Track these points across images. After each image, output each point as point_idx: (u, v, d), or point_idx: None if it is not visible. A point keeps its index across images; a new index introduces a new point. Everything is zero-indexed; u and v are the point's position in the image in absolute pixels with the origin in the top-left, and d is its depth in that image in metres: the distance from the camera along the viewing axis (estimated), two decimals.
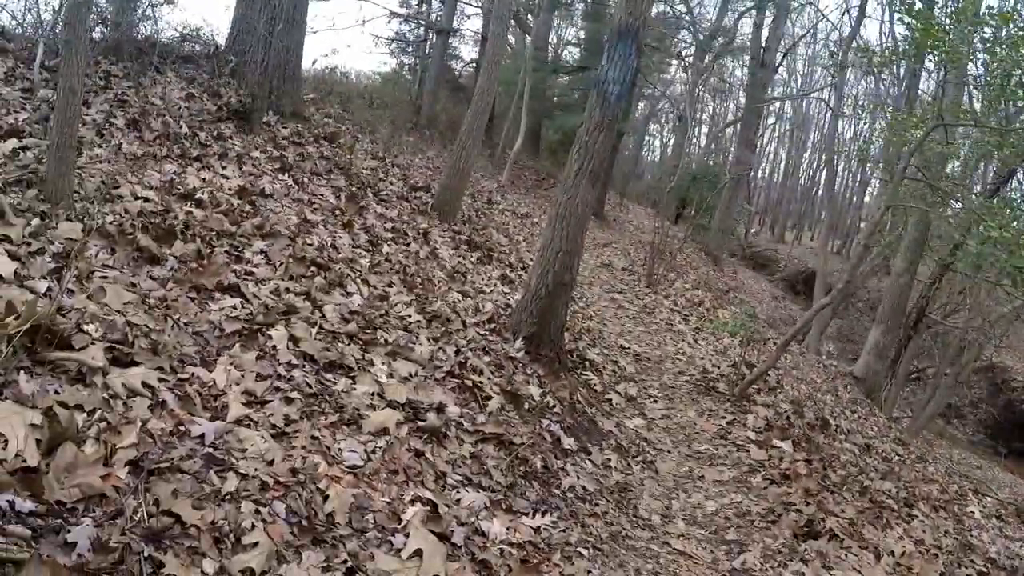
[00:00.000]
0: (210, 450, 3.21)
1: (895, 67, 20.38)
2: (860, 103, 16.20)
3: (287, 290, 5.15)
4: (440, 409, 4.67)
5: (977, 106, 8.80)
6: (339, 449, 3.74)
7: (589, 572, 4.08)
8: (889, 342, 16.06)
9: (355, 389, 4.38)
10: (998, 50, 7.58)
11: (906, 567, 5.16)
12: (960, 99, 13.53)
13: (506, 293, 8.63)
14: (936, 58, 9.64)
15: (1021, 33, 7.30)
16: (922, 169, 9.99)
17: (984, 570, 5.95)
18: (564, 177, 6.86)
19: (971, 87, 13.59)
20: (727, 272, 24.54)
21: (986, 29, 7.52)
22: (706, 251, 23.80)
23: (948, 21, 7.59)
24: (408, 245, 8.23)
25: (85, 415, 3.03)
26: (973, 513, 8.23)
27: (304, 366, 4.34)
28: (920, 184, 10.51)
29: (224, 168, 7.10)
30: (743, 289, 24.04)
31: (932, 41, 7.65)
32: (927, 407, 17.13)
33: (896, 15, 10.40)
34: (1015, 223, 8.85)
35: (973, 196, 10.68)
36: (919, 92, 17.38)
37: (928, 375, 20.37)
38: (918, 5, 7.81)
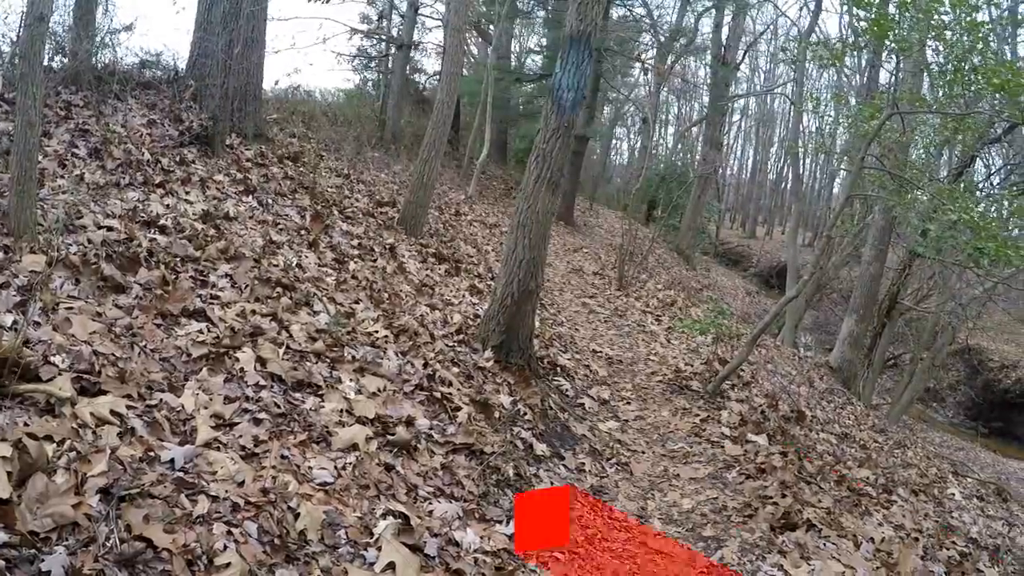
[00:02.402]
0: (180, 474, 3.23)
1: (857, 59, 20.58)
2: (817, 98, 16.26)
3: (253, 312, 5.17)
4: (409, 422, 4.70)
5: (939, 93, 8.89)
6: (309, 467, 3.76)
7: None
8: (863, 331, 16.17)
9: (323, 407, 4.41)
10: (948, 34, 7.69)
11: (886, 552, 5.17)
12: (919, 87, 13.68)
13: (475, 304, 8.66)
14: (888, 47, 9.75)
15: (969, 19, 7.42)
16: (880, 158, 10.10)
17: (966, 550, 5.96)
18: (523, 185, 6.90)
19: (929, 75, 13.75)
20: (700, 271, 24.69)
21: (936, 16, 7.61)
22: (678, 251, 23.95)
23: (897, 11, 7.66)
24: (375, 261, 8.27)
25: (55, 445, 3.04)
26: (954, 495, 8.30)
27: (272, 387, 4.37)
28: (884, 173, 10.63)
29: (187, 193, 7.11)
30: (716, 287, 24.19)
31: (881, 31, 7.76)
32: (904, 393, 17.27)
33: (846, 5, 10.52)
34: (979, 207, 9.00)
35: (938, 182, 10.78)
36: (879, 83, 17.53)
37: (904, 361, 20.53)
38: None
